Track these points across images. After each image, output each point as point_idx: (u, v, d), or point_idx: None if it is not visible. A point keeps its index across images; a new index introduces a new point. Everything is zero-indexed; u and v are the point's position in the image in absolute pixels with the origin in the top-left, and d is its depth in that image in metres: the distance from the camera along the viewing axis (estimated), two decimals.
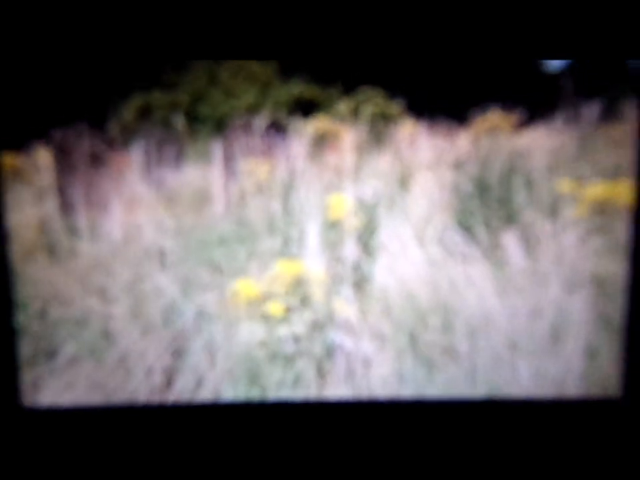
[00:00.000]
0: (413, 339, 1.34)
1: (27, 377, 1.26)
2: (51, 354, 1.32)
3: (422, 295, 1.39)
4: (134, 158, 1.47)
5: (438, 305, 1.37)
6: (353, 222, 1.48)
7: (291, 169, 1.60)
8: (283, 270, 1.32)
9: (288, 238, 1.47)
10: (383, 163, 1.62)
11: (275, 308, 1.30)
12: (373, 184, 1.54)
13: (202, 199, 1.58)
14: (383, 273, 1.42)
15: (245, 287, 1.30)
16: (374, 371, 1.31)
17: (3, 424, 1.16)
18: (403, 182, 1.54)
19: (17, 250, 1.30)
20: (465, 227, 1.54)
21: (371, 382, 1.31)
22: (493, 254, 1.47)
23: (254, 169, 1.60)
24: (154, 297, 1.37)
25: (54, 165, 1.42)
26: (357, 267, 1.42)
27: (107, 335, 1.34)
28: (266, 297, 1.31)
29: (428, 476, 1.19)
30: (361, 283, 1.40)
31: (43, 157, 1.41)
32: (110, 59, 1.09)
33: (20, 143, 1.34)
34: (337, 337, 1.32)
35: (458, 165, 1.63)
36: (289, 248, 1.45)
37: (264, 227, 1.52)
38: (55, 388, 1.28)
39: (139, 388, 1.27)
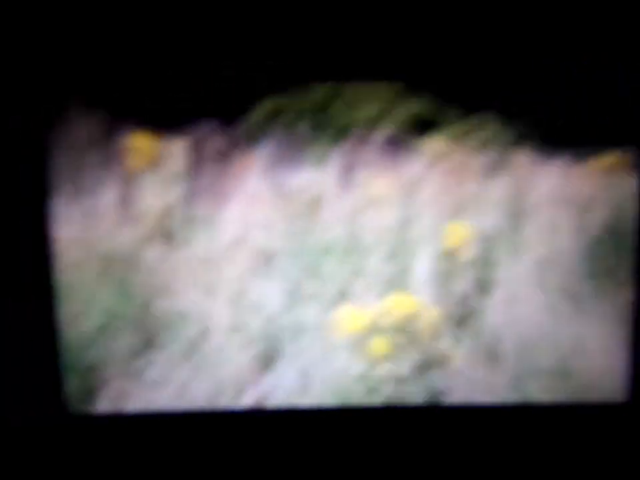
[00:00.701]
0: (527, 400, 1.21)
1: (123, 367, 1.22)
2: (148, 346, 1.28)
3: (540, 349, 1.24)
4: (257, 159, 1.40)
5: (558, 364, 1.23)
6: (469, 253, 1.35)
7: (408, 187, 1.48)
8: (394, 305, 1.21)
9: (397, 262, 1.35)
10: (499, 191, 1.47)
11: (379, 346, 1.20)
12: (493, 214, 1.40)
13: (315, 205, 1.50)
14: (496, 315, 1.28)
15: (350, 317, 1.21)
16: None
17: (50, 430, 1.17)
18: (521, 215, 1.39)
19: (138, 234, 1.26)
20: (591, 277, 1.37)
21: None
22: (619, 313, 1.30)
23: (370, 182, 1.49)
24: (255, 306, 1.30)
25: (187, 155, 1.39)
26: (467, 304, 1.29)
27: (205, 336, 1.29)
28: (371, 331, 1.21)
29: None
30: (469, 322, 1.27)
31: (179, 146, 1.38)
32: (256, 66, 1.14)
33: (161, 129, 1.32)
34: (442, 382, 1.21)
35: (584, 206, 1.45)
36: (397, 274, 1.33)
37: (373, 245, 1.41)
38: (143, 384, 1.24)
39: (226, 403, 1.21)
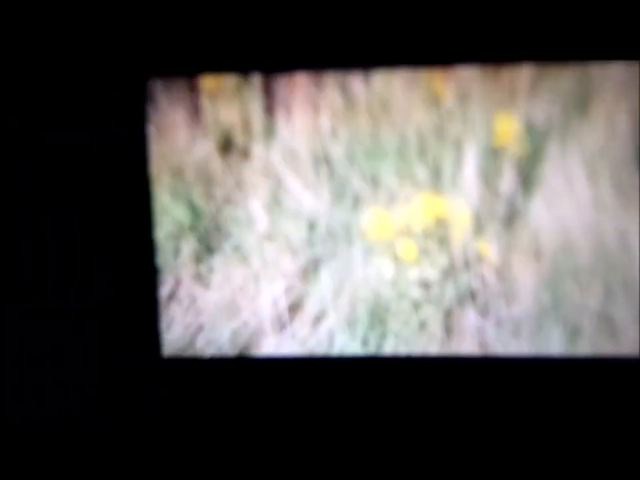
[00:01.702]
0: (560, 298, 1.12)
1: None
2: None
3: (582, 246, 1.13)
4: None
5: (600, 261, 1.11)
6: (516, 150, 1.23)
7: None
8: (423, 207, 1.17)
9: (440, 164, 1.26)
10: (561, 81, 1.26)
11: (407, 251, 1.18)
12: (548, 107, 1.23)
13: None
14: (539, 212, 1.17)
15: (379, 220, 1.19)
16: (505, 329, 1.14)
17: (145, 373, 1.26)
18: (582, 106, 1.20)
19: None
20: None
21: (500, 340, 1.15)
22: None
23: None
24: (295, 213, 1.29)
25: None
26: (511, 203, 1.19)
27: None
28: (401, 234, 1.19)
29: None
30: (511, 221, 1.18)
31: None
32: None
33: None
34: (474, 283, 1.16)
35: None
36: (440, 176, 1.25)
37: (415, 147, 1.32)
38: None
39: (264, 311, 1.26)
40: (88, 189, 1.23)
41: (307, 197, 1.26)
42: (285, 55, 1.20)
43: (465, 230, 1.18)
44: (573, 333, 1.13)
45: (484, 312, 1.17)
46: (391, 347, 1.20)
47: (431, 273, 1.18)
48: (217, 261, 1.26)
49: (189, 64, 1.21)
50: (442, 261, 1.18)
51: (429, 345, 1.19)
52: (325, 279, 1.23)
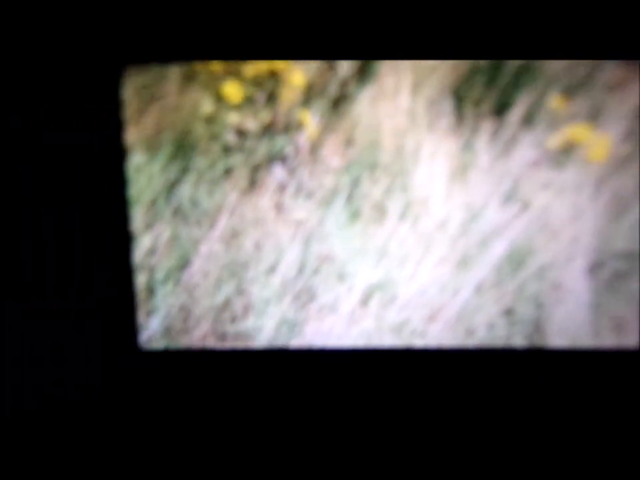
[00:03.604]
0: (353, 183, 1.17)
1: None
2: None
3: (387, 149, 1.17)
4: None
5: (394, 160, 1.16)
6: None
7: None
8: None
9: None
10: None
11: (231, 91, 1.14)
12: None
13: None
14: (363, 107, 1.18)
15: None
16: (302, 195, 1.18)
17: (122, 366, 1.24)
18: None
19: None
20: None
21: (295, 202, 1.18)
22: None
23: None
24: None
25: None
26: (343, 86, 1.18)
27: None
28: (228, 73, 1.14)
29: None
30: (338, 104, 1.18)
31: None
32: None
33: None
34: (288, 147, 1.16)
35: None
36: None
37: None
38: None
39: None
40: (88, 188, 1.21)
41: None
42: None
43: (295, 93, 1.16)
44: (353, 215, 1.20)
45: (289, 175, 1.20)
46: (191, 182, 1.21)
47: (251, 124, 1.17)
48: None
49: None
50: (264, 116, 1.17)
51: (230, 190, 1.21)
52: None
